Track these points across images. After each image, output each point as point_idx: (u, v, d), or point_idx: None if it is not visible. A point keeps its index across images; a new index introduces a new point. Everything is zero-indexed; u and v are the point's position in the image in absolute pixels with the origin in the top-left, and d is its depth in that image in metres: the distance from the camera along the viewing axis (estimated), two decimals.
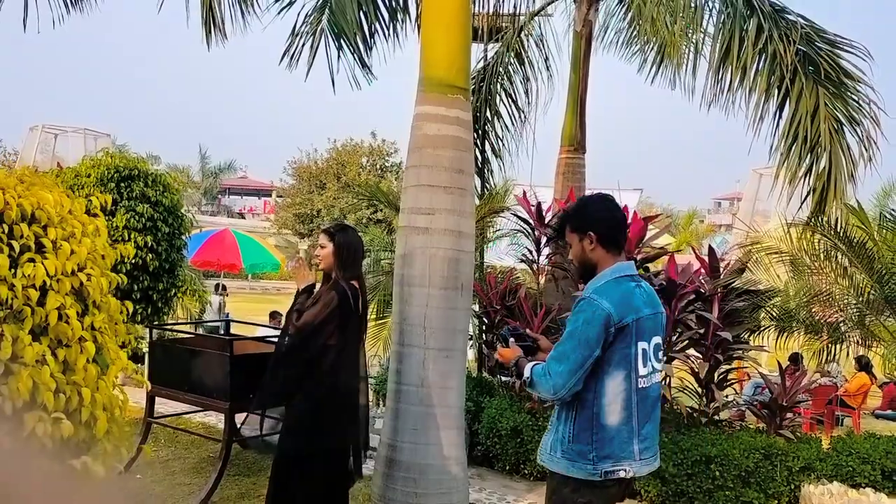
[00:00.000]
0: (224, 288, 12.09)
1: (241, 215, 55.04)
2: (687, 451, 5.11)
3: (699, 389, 5.51)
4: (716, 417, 5.52)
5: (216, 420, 6.78)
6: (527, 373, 2.71)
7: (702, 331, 5.20)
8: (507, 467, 5.84)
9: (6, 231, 2.27)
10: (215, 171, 54.65)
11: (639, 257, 5.37)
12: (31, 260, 2.29)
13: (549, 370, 2.61)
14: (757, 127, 5.92)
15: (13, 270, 2.23)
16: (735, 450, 5.02)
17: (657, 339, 2.75)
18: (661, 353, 2.79)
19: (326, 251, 3.89)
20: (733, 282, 5.36)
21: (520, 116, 7.72)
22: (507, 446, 5.80)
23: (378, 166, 35.14)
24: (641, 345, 2.66)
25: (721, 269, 5.31)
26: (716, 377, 5.39)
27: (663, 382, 5.26)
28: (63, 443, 2.32)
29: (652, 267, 5.78)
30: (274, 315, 11.43)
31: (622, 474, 2.63)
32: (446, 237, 4.51)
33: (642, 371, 2.67)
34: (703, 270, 5.45)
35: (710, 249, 5.25)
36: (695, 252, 5.41)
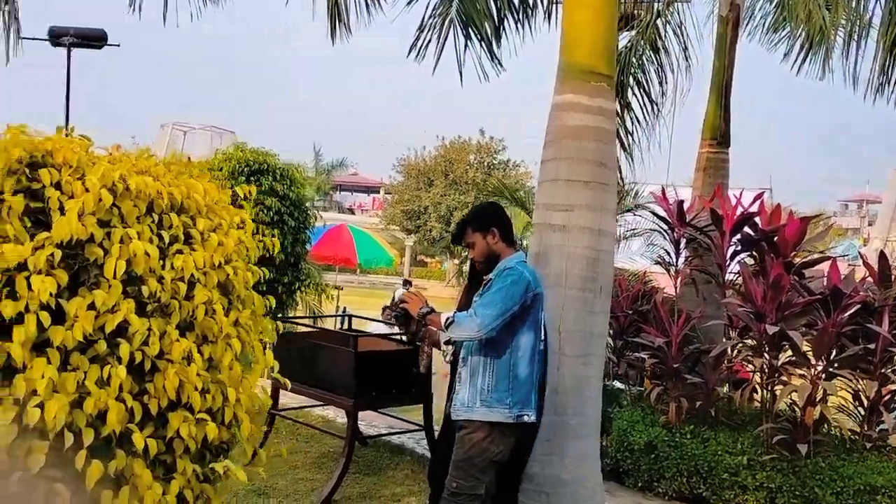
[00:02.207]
0: (410, 283, 12.23)
1: (352, 211, 56.37)
2: (848, 479, 4.57)
3: (861, 411, 4.94)
4: (880, 443, 4.93)
5: (335, 414, 6.75)
6: (448, 315, 3.15)
7: (871, 346, 4.64)
8: (640, 484, 5.46)
9: (156, 221, 2.17)
10: (328, 168, 56.11)
11: (796, 261, 4.86)
12: (180, 251, 2.18)
13: (475, 312, 3.08)
14: None
15: (162, 262, 2.12)
16: None
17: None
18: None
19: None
20: None
21: (653, 109, 7.26)
22: (639, 462, 5.42)
23: (486, 164, 34.99)
24: (544, 315, 3.31)
25: (893, 278, 4.72)
26: (883, 398, 4.81)
27: (822, 401, 4.75)
28: (203, 446, 2.21)
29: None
30: (385, 309, 11.44)
31: (526, 419, 3.18)
32: (585, 235, 4.20)
33: (542, 336, 3.28)
34: (869, 279, 4.88)
35: (882, 255, 4.69)
36: (862, 258, 4.86)
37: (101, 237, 1.99)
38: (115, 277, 1.93)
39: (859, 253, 4.90)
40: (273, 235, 7.18)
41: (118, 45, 9.44)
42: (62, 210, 1.94)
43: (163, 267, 2.12)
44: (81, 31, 8.64)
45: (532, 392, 3.24)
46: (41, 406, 1.78)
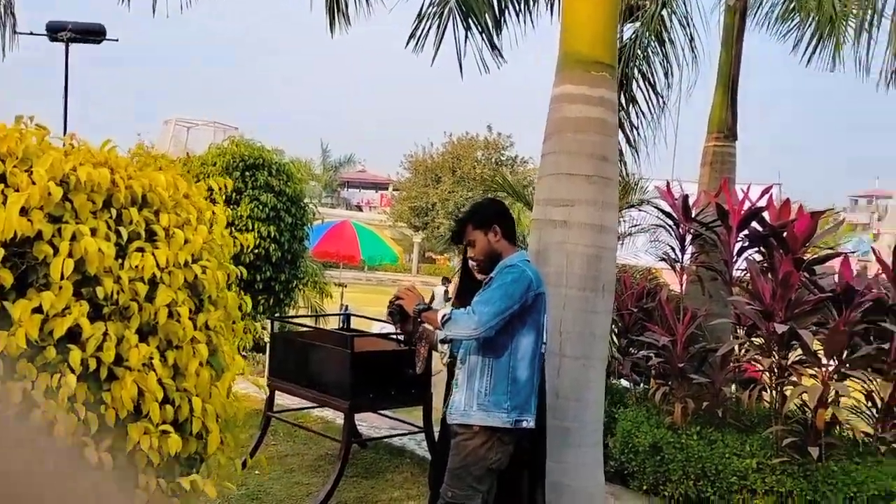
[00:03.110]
0: (449, 281, 12.08)
1: (359, 208, 56.25)
2: (861, 484, 4.39)
3: (874, 413, 4.75)
4: (895, 446, 4.74)
5: (334, 416, 6.61)
6: (445, 311, 3.00)
7: (884, 345, 4.45)
8: (645, 487, 5.29)
9: (114, 216, 2.02)
10: (335, 165, 55.98)
11: (806, 257, 4.67)
12: (141, 249, 2.03)
13: (474, 310, 2.91)
14: None
15: (120, 261, 1.97)
16: None
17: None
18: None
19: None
20: None
21: (658, 102, 7.06)
22: (644, 464, 5.25)
23: (493, 160, 34.81)
24: (546, 317, 3.13)
25: None
26: None
27: (834, 402, 4.56)
28: (171, 459, 2.05)
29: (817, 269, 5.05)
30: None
31: (525, 424, 3.02)
32: (586, 232, 4.04)
33: (545, 339, 3.13)
34: (883, 275, 4.69)
35: None
36: (875, 254, 4.66)
37: (51, 233, 1.84)
38: (62, 278, 1.78)
39: (872, 248, 4.70)
40: (269, 233, 7.06)
41: (117, 40, 9.33)
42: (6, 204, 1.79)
43: (121, 266, 1.97)
44: (80, 25, 8.52)
45: (532, 396, 3.07)
46: None
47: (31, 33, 8.67)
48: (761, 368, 4.96)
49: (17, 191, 1.81)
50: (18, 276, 1.80)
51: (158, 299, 2.00)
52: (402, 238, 34.40)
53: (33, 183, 1.80)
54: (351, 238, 12.07)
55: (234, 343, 2.40)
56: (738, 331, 5.55)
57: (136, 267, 1.97)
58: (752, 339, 5.05)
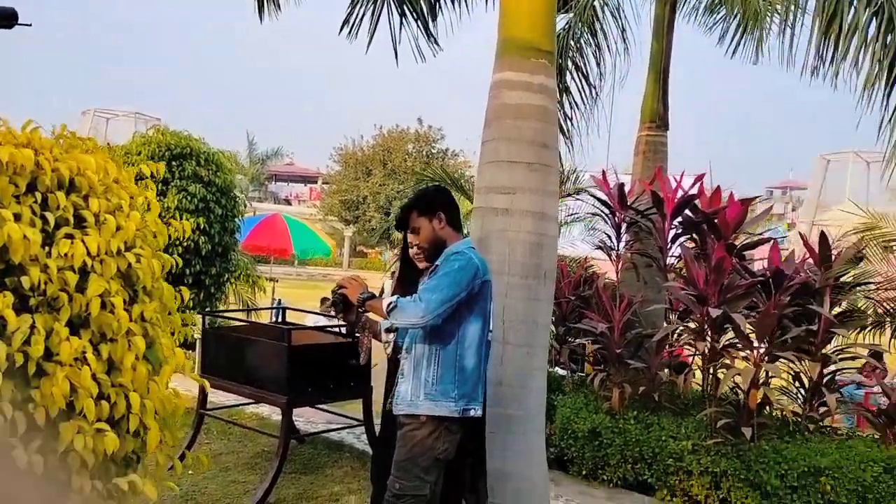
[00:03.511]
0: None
1: (288, 202, 55.20)
2: (792, 462, 4.56)
3: (803, 393, 4.94)
4: (822, 424, 4.94)
5: (270, 411, 6.45)
6: (390, 299, 2.94)
7: (812, 327, 4.62)
8: (584, 472, 5.36)
9: (39, 201, 1.87)
10: (262, 158, 54.77)
11: (737, 243, 4.80)
12: (70, 236, 1.89)
13: (420, 298, 2.87)
14: (866, 99, 5.29)
15: (47, 249, 1.83)
16: (849, 461, 4.45)
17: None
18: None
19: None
20: (845, 273, 4.76)
21: (591, 93, 7.15)
22: (583, 449, 5.32)
23: (424, 153, 34.75)
24: (492, 305, 3.11)
25: (833, 259, 4.71)
26: (824, 378, 4.81)
27: (765, 383, 4.72)
28: (106, 459, 1.93)
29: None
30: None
31: (472, 413, 2.99)
32: (528, 219, 4.02)
33: (491, 327, 3.10)
34: (809, 260, 4.87)
35: (822, 236, 4.67)
36: (803, 239, 4.84)
37: None
38: None
39: (800, 234, 4.89)
40: (198, 225, 6.80)
41: (30, 25, 8.83)
42: None
43: (48, 254, 1.82)
44: None
45: (479, 385, 3.03)
46: None
47: None
48: (694, 352, 5.09)
49: None
50: None
51: (90, 289, 1.87)
52: (332, 232, 33.94)
53: None
54: (282, 231, 11.79)
55: (172, 337, 2.27)
56: (671, 315, 5.68)
57: (65, 255, 1.83)
58: (686, 323, 5.17)
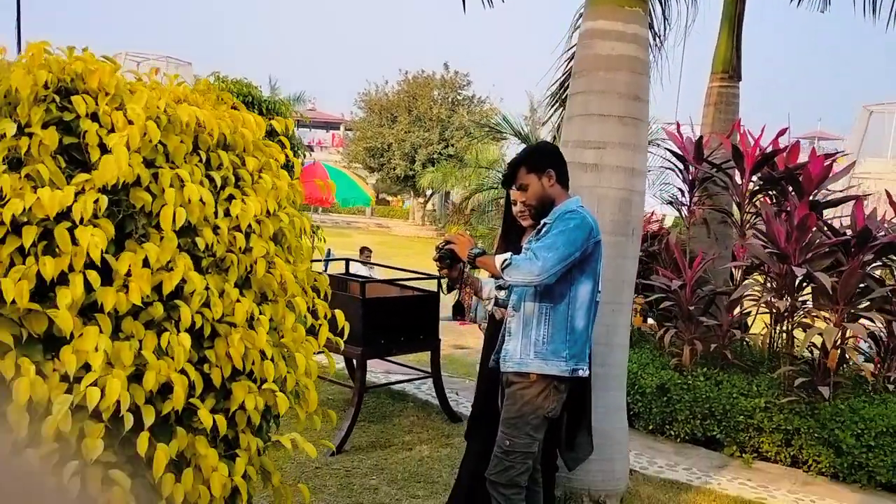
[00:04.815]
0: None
1: (311, 148, 54.90)
2: (869, 421, 4.54)
3: (881, 353, 4.89)
4: None
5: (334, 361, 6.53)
6: (504, 256, 2.86)
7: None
8: (651, 427, 5.39)
9: (203, 160, 1.84)
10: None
11: (821, 200, 4.69)
12: (232, 196, 1.86)
13: (536, 255, 2.79)
14: None
15: (214, 210, 1.80)
16: None
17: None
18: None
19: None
20: None
21: (657, 44, 6.94)
22: (651, 405, 5.33)
23: (450, 99, 34.19)
24: (602, 264, 3.00)
25: None
26: None
27: (846, 343, 4.67)
28: (264, 416, 1.94)
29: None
30: (363, 250, 11.15)
31: (581, 373, 2.95)
32: (618, 175, 3.95)
33: (600, 288, 3.02)
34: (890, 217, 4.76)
35: None
36: (889, 196, 4.71)
37: (148, 180, 1.66)
38: (173, 228, 1.61)
39: (885, 191, 4.75)
40: None
41: None
42: (102, 147, 1.60)
43: (215, 215, 1.80)
44: None
45: (587, 345, 3.00)
46: (96, 383, 1.48)
47: None
48: (773, 311, 5.03)
49: (112, 131, 1.61)
50: (116, 226, 1.62)
51: (255, 250, 1.85)
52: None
53: (130, 122, 1.61)
54: (324, 179, 11.74)
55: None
56: (736, 273, 5.60)
57: (233, 216, 1.81)
58: (763, 281, 5.10)
